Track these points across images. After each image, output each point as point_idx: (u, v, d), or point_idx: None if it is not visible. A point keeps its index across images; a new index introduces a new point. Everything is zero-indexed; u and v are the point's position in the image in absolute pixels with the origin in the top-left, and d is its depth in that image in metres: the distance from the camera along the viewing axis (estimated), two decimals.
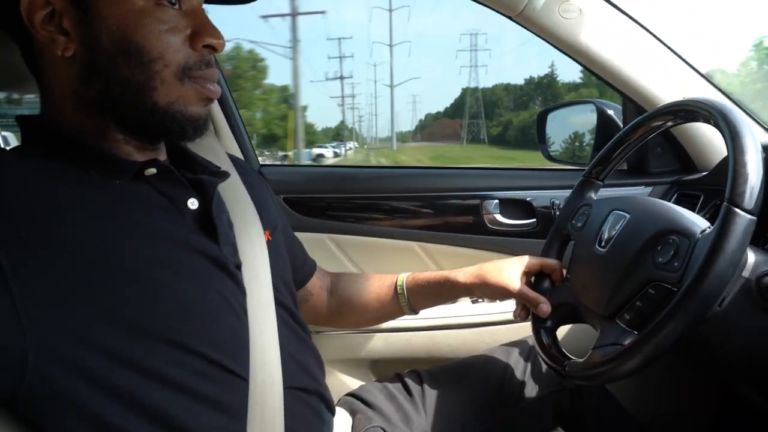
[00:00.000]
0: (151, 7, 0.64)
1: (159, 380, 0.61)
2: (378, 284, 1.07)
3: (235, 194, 0.81)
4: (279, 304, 0.78)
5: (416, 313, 1.06)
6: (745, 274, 0.70)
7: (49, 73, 0.67)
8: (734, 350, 0.74)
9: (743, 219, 0.63)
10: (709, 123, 0.75)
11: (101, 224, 0.61)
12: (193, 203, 0.71)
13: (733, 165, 0.66)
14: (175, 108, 0.66)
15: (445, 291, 1.03)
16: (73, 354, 0.56)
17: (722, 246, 0.62)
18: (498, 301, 1.00)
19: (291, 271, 0.92)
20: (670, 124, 0.87)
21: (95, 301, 0.58)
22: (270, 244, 0.80)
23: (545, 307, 0.91)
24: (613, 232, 0.84)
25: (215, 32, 0.68)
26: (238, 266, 0.73)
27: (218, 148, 0.89)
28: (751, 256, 0.71)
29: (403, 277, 1.06)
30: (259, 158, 1.54)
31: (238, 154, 1.39)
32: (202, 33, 0.67)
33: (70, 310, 0.56)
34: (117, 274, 0.60)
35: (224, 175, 0.78)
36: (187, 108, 0.67)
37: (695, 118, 0.80)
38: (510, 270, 0.96)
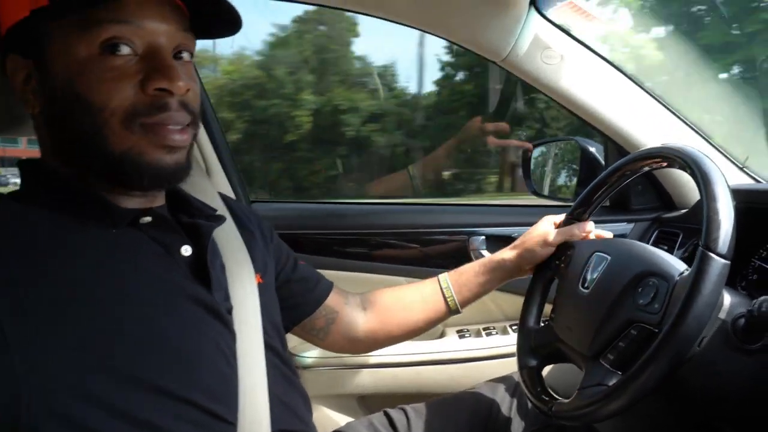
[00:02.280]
0: (95, 56, 0.61)
1: (149, 429, 0.60)
2: (418, 287, 1.07)
3: (228, 238, 0.81)
4: (268, 347, 0.78)
5: (460, 310, 1.06)
6: (722, 315, 0.72)
7: (36, 124, 0.70)
8: (712, 389, 0.75)
9: (718, 263, 0.65)
10: (684, 171, 0.78)
11: (95, 276, 0.62)
12: (186, 250, 0.71)
13: (706, 212, 0.69)
14: (129, 157, 0.64)
15: (495, 275, 1.04)
16: (65, 404, 0.56)
17: (699, 289, 0.65)
18: (540, 261, 1.02)
19: (293, 306, 0.96)
20: (647, 169, 0.90)
21: (88, 352, 0.58)
22: (261, 288, 0.81)
23: (585, 226, 0.98)
24: (596, 274, 0.86)
25: (170, 74, 0.63)
26: (230, 311, 0.74)
27: (209, 188, 0.91)
28: (727, 299, 0.73)
29: (445, 275, 1.07)
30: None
31: (229, 191, 1.40)
32: (153, 76, 0.63)
33: (63, 361, 0.57)
34: (111, 325, 0.60)
35: (220, 219, 0.79)
36: (141, 157, 0.64)
37: (671, 165, 0.84)
38: (541, 226, 1.03)
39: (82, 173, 0.67)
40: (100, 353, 0.59)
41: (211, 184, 0.94)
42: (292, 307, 0.97)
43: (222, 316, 0.72)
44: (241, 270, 0.79)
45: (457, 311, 1.06)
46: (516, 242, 1.05)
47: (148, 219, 0.68)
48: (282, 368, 0.83)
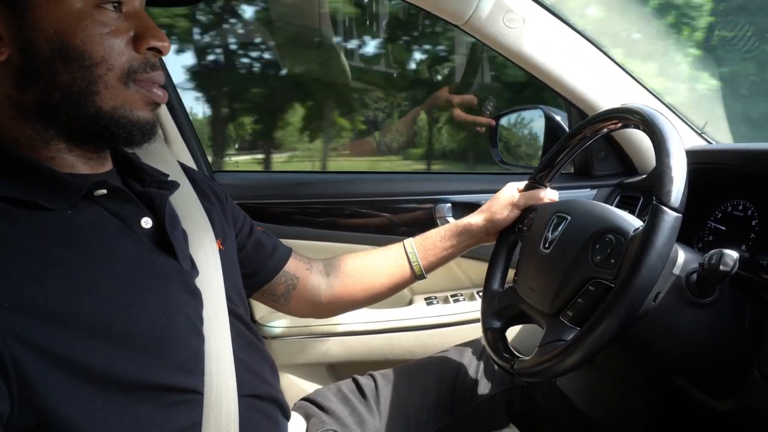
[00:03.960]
0: (90, 9, 0.61)
1: (118, 414, 0.60)
2: (383, 252, 1.07)
3: (186, 205, 0.80)
4: (232, 313, 0.78)
5: (425, 276, 1.06)
6: (676, 271, 0.74)
7: None
8: (669, 344, 0.78)
9: (670, 216, 0.67)
10: (639, 129, 0.79)
11: (57, 269, 0.59)
12: (146, 222, 0.69)
13: (660, 167, 0.70)
14: (121, 113, 0.64)
15: (461, 239, 1.05)
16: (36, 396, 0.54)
17: (652, 241, 0.66)
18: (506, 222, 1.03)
19: (251, 273, 0.95)
20: (605, 131, 0.91)
21: (58, 349, 0.56)
22: (222, 254, 0.80)
23: (548, 192, 1.01)
24: (556, 234, 0.87)
25: (160, 35, 0.66)
26: (196, 278, 0.73)
27: (168, 154, 0.89)
28: (681, 255, 0.75)
29: (410, 241, 1.07)
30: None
31: (189, 160, 1.37)
32: (146, 36, 0.65)
33: (31, 359, 0.54)
34: (80, 323, 0.58)
35: (173, 186, 0.77)
36: (133, 112, 0.65)
37: (627, 125, 0.85)
38: (506, 191, 1.04)
39: (42, 134, 0.64)
40: (70, 353, 0.56)
41: (170, 152, 0.91)
42: (251, 274, 0.97)
43: (191, 286, 0.72)
44: (202, 237, 0.78)
45: (422, 276, 1.06)
46: (482, 207, 1.06)
47: (103, 191, 0.66)
48: (246, 334, 0.83)
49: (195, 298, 0.72)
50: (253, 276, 0.97)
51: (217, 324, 0.74)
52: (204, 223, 0.81)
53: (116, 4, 0.63)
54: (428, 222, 1.39)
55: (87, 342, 0.57)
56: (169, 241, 0.70)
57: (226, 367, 0.73)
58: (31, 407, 0.54)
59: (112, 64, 0.63)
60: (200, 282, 0.74)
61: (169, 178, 0.79)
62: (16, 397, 0.53)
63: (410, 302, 1.44)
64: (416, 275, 1.06)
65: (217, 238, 0.81)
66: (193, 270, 0.73)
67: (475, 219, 1.05)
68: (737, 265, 0.68)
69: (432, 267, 1.07)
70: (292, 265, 1.02)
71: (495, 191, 1.10)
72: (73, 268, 0.60)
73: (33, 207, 0.61)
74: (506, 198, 1.04)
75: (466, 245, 1.06)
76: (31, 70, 0.61)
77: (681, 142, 0.72)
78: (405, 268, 1.05)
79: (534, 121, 1.56)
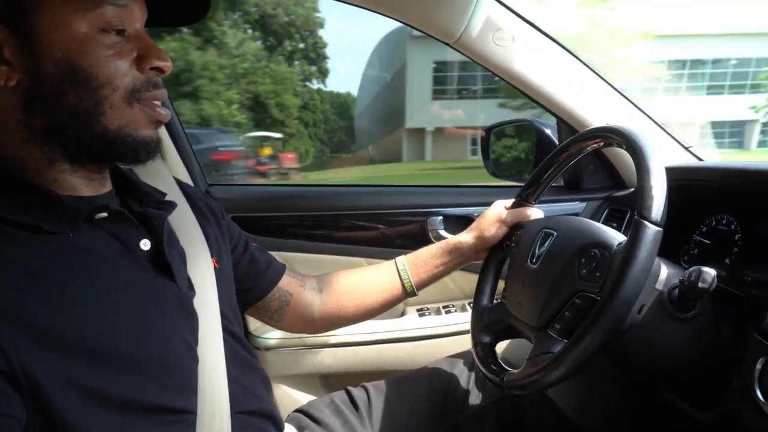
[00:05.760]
0: (95, 33, 0.63)
1: None
2: (375, 270, 1.08)
3: (183, 223, 0.81)
4: (226, 331, 0.79)
5: (416, 293, 1.07)
6: (659, 286, 0.76)
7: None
8: (652, 357, 0.80)
9: (651, 230, 0.69)
10: (621, 148, 0.82)
11: (58, 292, 0.60)
12: (145, 244, 0.71)
13: (640, 183, 0.72)
14: (126, 132, 0.66)
15: (452, 258, 1.07)
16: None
17: (635, 255, 0.68)
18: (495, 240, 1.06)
19: (246, 289, 0.97)
20: (589, 149, 0.94)
21: (62, 371, 0.57)
22: (217, 272, 0.82)
23: (534, 211, 1.03)
24: (543, 249, 0.89)
25: (161, 54, 0.68)
26: (192, 299, 0.75)
27: (164, 171, 0.90)
28: (664, 270, 0.77)
29: (402, 258, 1.09)
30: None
31: (185, 175, 1.39)
32: (149, 56, 0.67)
33: (41, 370, 0.56)
34: (82, 346, 0.59)
35: (170, 206, 0.78)
36: (138, 131, 0.67)
37: (610, 144, 0.87)
38: (494, 209, 1.06)
39: (48, 155, 0.65)
40: (74, 373, 0.58)
41: (166, 168, 0.93)
42: (245, 290, 0.98)
43: (188, 308, 0.73)
44: (199, 256, 0.79)
45: (413, 293, 1.08)
46: (471, 226, 1.08)
47: (104, 215, 0.68)
48: (240, 351, 0.84)
49: (192, 319, 0.74)
50: (247, 292, 0.99)
51: (212, 344, 0.75)
52: (200, 241, 0.82)
53: (118, 30, 0.65)
54: (421, 235, 1.40)
55: (89, 364, 0.59)
56: (167, 262, 0.71)
57: (220, 386, 0.74)
58: (42, 418, 0.56)
59: (117, 85, 0.65)
60: (197, 302, 0.75)
61: (167, 197, 0.81)
62: (30, 407, 0.55)
63: (403, 314, 1.45)
64: (407, 292, 1.07)
65: (212, 256, 0.82)
66: (191, 291, 0.75)
67: (465, 237, 1.07)
68: (715, 282, 0.71)
69: (423, 284, 1.08)
70: (286, 282, 1.03)
71: (487, 204, 1.12)
72: (76, 292, 0.61)
73: (36, 230, 0.62)
74: (494, 215, 1.06)
75: (457, 263, 1.08)
76: (40, 94, 0.63)
77: (660, 160, 0.74)
78: (396, 285, 1.07)
79: (525, 133, 1.59)
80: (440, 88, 22.17)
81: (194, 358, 0.72)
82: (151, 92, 0.68)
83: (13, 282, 0.57)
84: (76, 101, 0.63)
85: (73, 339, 0.58)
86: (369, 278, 1.08)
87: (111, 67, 0.64)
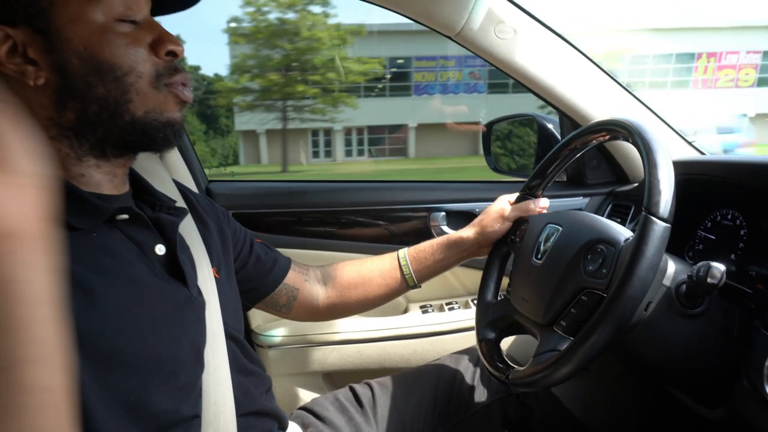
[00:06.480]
0: (111, 23, 0.64)
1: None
2: (378, 263, 1.09)
3: (188, 231, 0.82)
4: (229, 336, 0.80)
5: (419, 285, 1.08)
6: (666, 282, 0.75)
7: (26, 99, 0.64)
8: (659, 354, 0.79)
9: (659, 226, 0.68)
10: (627, 141, 0.80)
11: (79, 288, 0.60)
12: (160, 249, 0.72)
13: (648, 178, 0.71)
14: (152, 116, 0.67)
15: (453, 252, 1.07)
16: None
17: (642, 251, 0.67)
18: (498, 238, 1.06)
19: (252, 288, 0.99)
20: (594, 143, 0.93)
21: (78, 367, 0.57)
22: (218, 282, 0.82)
23: (539, 202, 1.02)
24: (548, 245, 0.88)
25: (174, 39, 0.69)
26: (203, 305, 0.76)
27: (164, 175, 0.89)
28: (671, 266, 0.76)
29: (404, 251, 1.09)
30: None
31: (185, 172, 1.38)
32: (163, 41, 0.68)
33: None
34: (99, 343, 0.60)
35: (182, 213, 0.79)
36: (163, 114, 0.68)
37: (616, 137, 0.86)
38: (497, 204, 1.05)
39: (77, 151, 0.66)
40: (90, 370, 0.58)
41: (165, 169, 0.92)
42: (251, 289, 0.99)
43: (198, 313, 0.74)
44: (202, 264, 0.80)
45: (415, 286, 1.08)
46: (474, 221, 1.07)
47: (125, 216, 0.69)
48: (241, 356, 0.85)
49: (201, 324, 0.74)
50: (254, 291, 1.00)
51: (216, 349, 0.76)
52: (202, 250, 0.83)
53: (132, 19, 0.66)
54: (423, 230, 1.40)
55: (102, 361, 0.59)
56: (180, 268, 0.72)
57: (224, 390, 0.75)
58: None
59: (140, 72, 0.66)
60: (205, 308, 0.76)
61: (176, 204, 0.81)
62: None
63: (405, 310, 1.44)
64: (409, 285, 1.08)
65: (212, 267, 0.83)
66: (200, 297, 0.76)
67: (467, 233, 1.06)
68: (724, 278, 0.70)
69: (424, 278, 1.08)
70: (292, 277, 1.04)
71: (489, 199, 1.12)
72: (96, 290, 0.61)
73: (60, 226, 0.62)
74: (497, 211, 1.05)
75: (458, 258, 1.08)
76: (68, 89, 0.63)
77: (668, 154, 0.73)
78: (398, 278, 1.07)
79: (528, 129, 1.58)
80: None
81: (200, 362, 0.73)
82: (175, 76, 0.69)
83: None
84: (104, 92, 0.64)
85: (90, 336, 0.58)
86: (371, 272, 1.08)
87: (131, 54, 0.65)
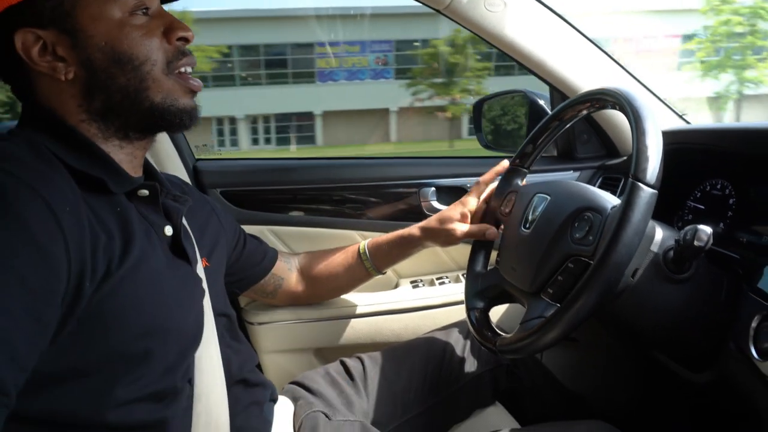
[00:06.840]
0: (127, 17, 0.70)
1: (124, 410, 0.66)
2: (342, 255, 1.19)
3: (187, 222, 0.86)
4: (217, 313, 0.84)
5: (383, 273, 1.19)
6: (654, 248, 0.76)
7: (50, 97, 0.71)
8: (647, 319, 0.80)
9: (646, 192, 0.68)
10: (616, 109, 0.80)
11: (114, 244, 0.65)
12: (168, 230, 0.77)
13: (636, 145, 0.71)
14: (168, 102, 0.73)
15: (405, 248, 1.15)
16: None
17: (629, 217, 0.67)
18: (449, 245, 1.13)
19: (242, 278, 1.09)
20: (585, 112, 0.93)
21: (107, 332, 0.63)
22: (207, 270, 0.86)
23: (492, 232, 1.05)
24: (536, 214, 0.89)
25: (184, 26, 0.75)
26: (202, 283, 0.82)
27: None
28: (659, 232, 0.77)
29: (364, 244, 1.18)
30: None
31: (172, 151, 1.36)
32: (174, 28, 0.74)
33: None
34: (124, 301, 0.65)
35: (186, 202, 0.83)
36: (178, 101, 0.74)
37: (605, 106, 0.86)
38: (452, 216, 1.09)
39: (104, 132, 0.73)
40: (104, 347, 0.63)
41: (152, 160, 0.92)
42: (241, 279, 1.10)
43: (201, 292, 0.80)
44: (194, 251, 0.84)
45: (379, 274, 1.19)
46: (428, 224, 1.13)
47: (146, 192, 0.75)
48: (230, 331, 0.91)
49: (201, 302, 0.80)
50: (243, 280, 1.10)
51: (207, 325, 0.80)
52: (191, 241, 0.85)
53: (144, 9, 0.72)
54: (413, 206, 1.39)
55: (117, 321, 0.64)
56: (183, 248, 0.78)
57: (215, 363, 0.80)
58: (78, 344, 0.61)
59: (155, 60, 0.72)
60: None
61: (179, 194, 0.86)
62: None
63: (396, 286, 1.44)
64: (371, 275, 1.18)
65: (202, 257, 0.86)
66: (200, 272, 0.82)
67: (415, 231, 1.15)
68: (711, 240, 0.70)
69: (384, 267, 1.19)
70: (278, 267, 1.15)
71: (479, 174, 1.12)
72: (127, 248, 0.66)
73: (98, 185, 0.69)
74: (445, 216, 1.10)
75: (410, 252, 1.17)
76: (94, 81, 0.70)
77: (657, 122, 0.73)
78: (361, 269, 1.18)
79: (518, 104, 1.57)
80: None
81: (199, 338, 0.77)
82: (181, 60, 0.75)
83: (83, 215, 0.62)
84: (124, 81, 0.70)
85: (119, 289, 0.63)
86: (338, 264, 1.19)
87: (146, 44, 0.71)
